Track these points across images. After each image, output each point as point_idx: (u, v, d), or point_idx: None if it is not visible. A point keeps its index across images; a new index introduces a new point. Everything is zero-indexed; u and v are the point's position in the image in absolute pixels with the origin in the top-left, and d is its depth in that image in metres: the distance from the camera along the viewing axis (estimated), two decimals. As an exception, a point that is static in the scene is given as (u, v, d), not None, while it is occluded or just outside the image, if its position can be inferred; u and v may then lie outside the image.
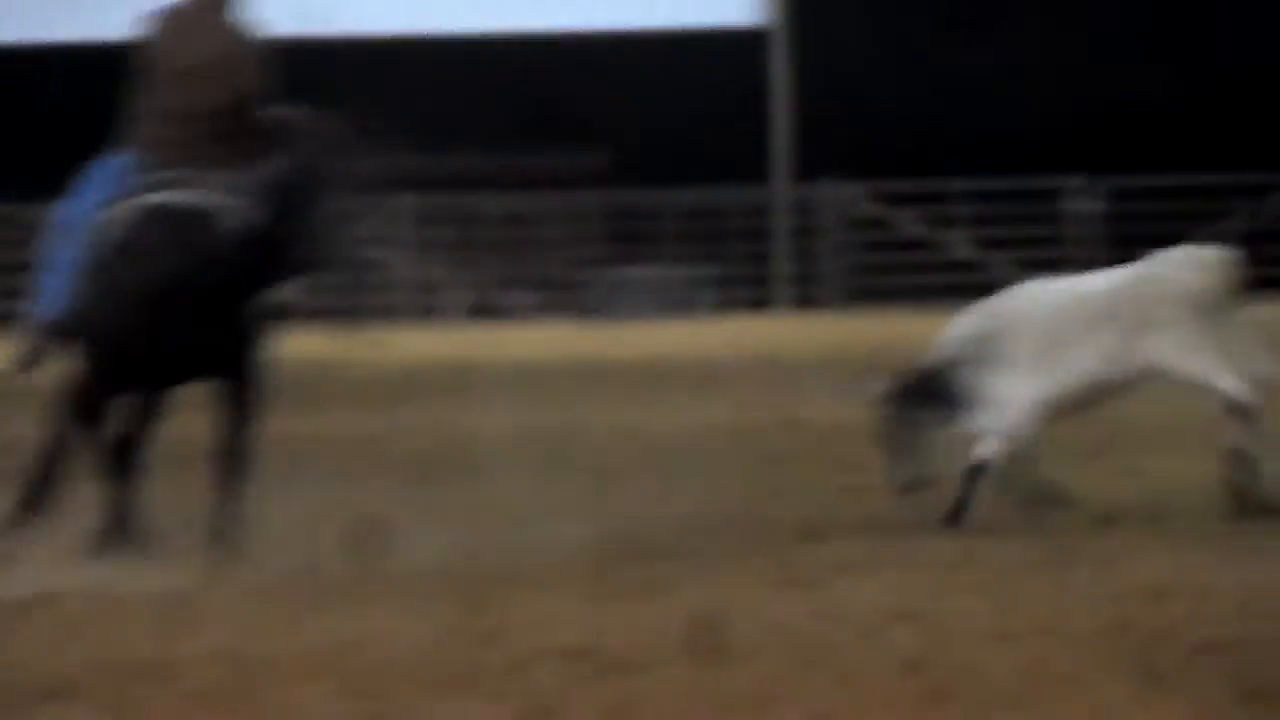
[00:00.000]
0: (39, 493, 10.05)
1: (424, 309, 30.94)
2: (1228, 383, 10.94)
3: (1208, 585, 8.54)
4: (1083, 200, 32.56)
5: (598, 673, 6.83)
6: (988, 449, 10.96)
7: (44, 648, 7.62)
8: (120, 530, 9.86)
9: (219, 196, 10.27)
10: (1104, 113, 33.13)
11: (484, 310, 31.42)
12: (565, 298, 31.31)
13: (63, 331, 10.17)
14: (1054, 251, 31.07)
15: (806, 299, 32.31)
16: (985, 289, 23.65)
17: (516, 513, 11.44)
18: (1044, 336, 11.45)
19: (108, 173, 10.37)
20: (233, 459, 10.21)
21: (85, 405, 10.13)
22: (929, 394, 11.33)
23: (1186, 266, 11.32)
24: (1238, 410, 10.84)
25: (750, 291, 32.04)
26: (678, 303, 31.44)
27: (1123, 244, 28.28)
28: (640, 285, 32.35)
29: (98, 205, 10.31)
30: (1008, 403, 11.16)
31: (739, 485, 12.93)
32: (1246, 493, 10.49)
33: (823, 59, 32.50)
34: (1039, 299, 11.81)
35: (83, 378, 9.96)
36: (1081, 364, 11.28)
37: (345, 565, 9.71)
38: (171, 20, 10.40)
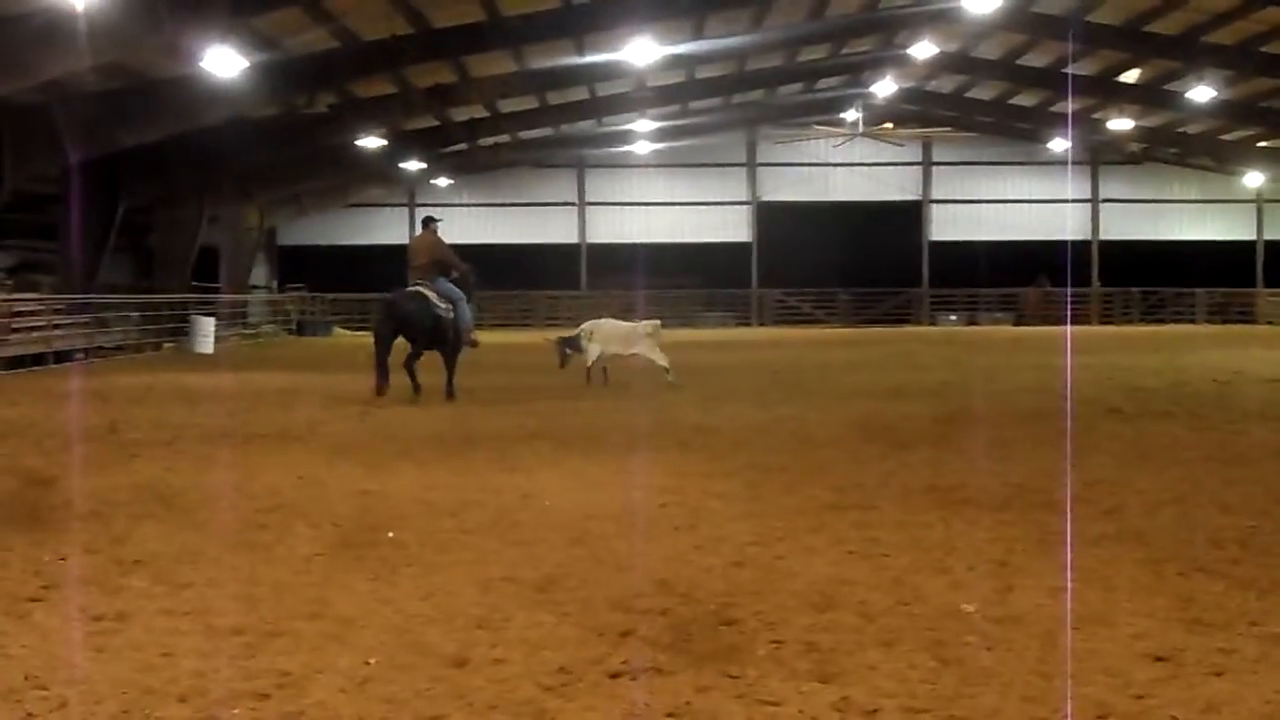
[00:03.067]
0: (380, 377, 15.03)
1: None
2: (661, 360, 16.69)
3: (886, 411, 13.88)
4: (844, 294, 46.04)
5: (697, 432, 11.74)
6: (587, 361, 16.82)
7: (531, 423, 12.77)
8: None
9: (431, 290, 15.46)
10: (854, 267, 46.24)
11: (664, 326, 48.17)
12: (689, 321, 43.58)
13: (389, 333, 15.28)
14: (833, 309, 46.94)
15: (761, 323, 46.15)
16: (813, 321, 45.62)
17: (671, 385, 16.67)
18: (606, 336, 17.03)
19: (400, 286, 15.92)
20: (450, 371, 15.61)
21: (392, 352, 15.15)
22: (570, 342, 17.26)
23: (650, 325, 17.16)
24: (662, 368, 16.72)
25: (742, 319, 46.38)
26: (723, 323, 44.93)
27: (859, 308, 45.12)
28: (710, 318, 45.04)
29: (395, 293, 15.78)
30: (590, 353, 16.85)
31: (743, 377, 18.72)
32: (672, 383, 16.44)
33: (770, 256, 47.06)
34: (610, 324, 17.52)
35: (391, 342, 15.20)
36: (614, 347, 16.97)
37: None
38: (416, 237, 16.29)
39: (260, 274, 45.16)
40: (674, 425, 12.47)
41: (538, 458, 10.14)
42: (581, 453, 10.39)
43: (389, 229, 47.59)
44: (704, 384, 17.73)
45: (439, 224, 16.40)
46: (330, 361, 26.16)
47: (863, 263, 47.30)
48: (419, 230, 16.44)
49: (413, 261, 16.04)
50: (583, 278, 48.08)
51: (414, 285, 15.75)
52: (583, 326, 17.20)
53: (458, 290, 15.98)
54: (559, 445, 10.93)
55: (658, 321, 17.55)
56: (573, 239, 48.33)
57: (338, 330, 42.44)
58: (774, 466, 9.56)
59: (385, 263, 44.82)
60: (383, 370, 15.13)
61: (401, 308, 15.44)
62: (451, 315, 15.74)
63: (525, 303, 46.25)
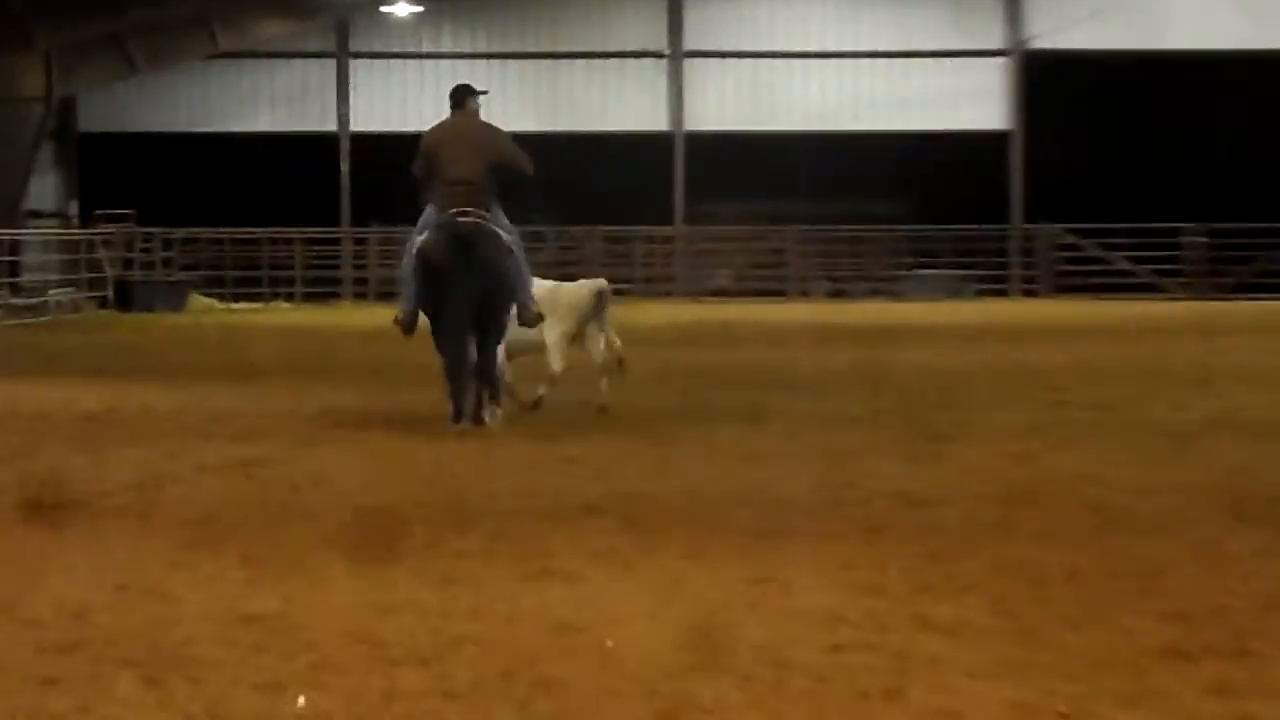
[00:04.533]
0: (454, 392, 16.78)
1: (802, 292, 46.74)
2: (557, 363, 17.99)
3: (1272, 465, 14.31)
4: (1192, 236, 48.59)
5: (910, 507, 12.21)
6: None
7: (579, 484, 13.33)
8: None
9: (497, 225, 16.92)
10: (1210, 183, 48.39)
11: (837, 294, 46.99)
12: (885, 287, 47.57)
13: (418, 305, 16.96)
14: (1174, 265, 48.98)
15: (1029, 291, 48.41)
16: (1135, 288, 45.85)
17: (854, 414, 18.14)
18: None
19: (423, 218, 17.07)
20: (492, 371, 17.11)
21: (439, 341, 16.83)
22: None
23: (588, 288, 18.50)
24: (552, 377, 18.16)
25: (995, 286, 48.29)
26: (952, 292, 46.88)
27: (1221, 264, 48.33)
28: (930, 281, 47.53)
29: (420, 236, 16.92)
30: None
31: (990, 399, 20.19)
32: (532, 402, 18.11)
33: (1047, 159, 48.47)
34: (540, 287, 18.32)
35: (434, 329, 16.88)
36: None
37: (760, 440, 16.04)
38: (448, 124, 17.57)
39: (46, 189, 46.69)
40: (857, 490, 12.93)
41: (590, 551, 10.45)
42: (678, 542, 10.73)
43: (301, 104, 49.23)
44: (915, 410, 18.48)
45: (481, 99, 17.67)
46: (183, 362, 27.09)
47: (1238, 175, 48.73)
48: (446, 112, 17.65)
49: (449, 170, 17.00)
50: (677, 199, 49.14)
51: (462, 214, 16.74)
52: None
53: (512, 228, 17.33)
54: (632, 526, 11.34)
55: (603, 283, 18.59)
56: (658, 125, 49.62)
57: (198, 300, 43.90)
58: (1051, 572, 9.78)
59: (298, 171, 48.26)
60: (463, 377, 16.72)
61: (482, 252, 16.61)
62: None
63: (567, 245, 47.32)
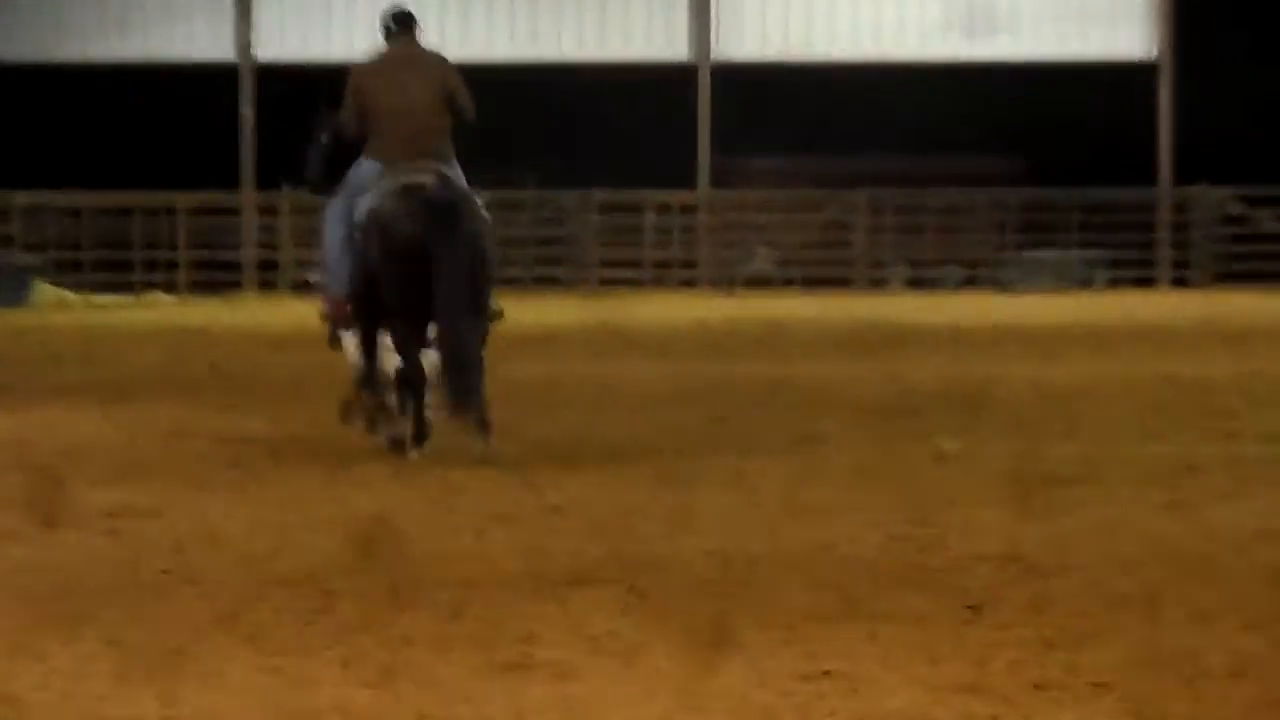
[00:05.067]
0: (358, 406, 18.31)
1: (873, 281, 47.77)
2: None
3: None
4: None
5: (1021, 574, 12.40)
6: (355, 366, 19.15)
7: (568, 543, 13.75)
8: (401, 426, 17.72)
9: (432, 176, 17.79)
10: None
11: (920, 282, 48.14)
12: (985, 274, 48.31)
13: (348, 297, 17.98)
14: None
15: (1181, 280, 49.01)
16: None
17: (943, 448, 18.41)
18: None
19: (358, 175, 17.94)
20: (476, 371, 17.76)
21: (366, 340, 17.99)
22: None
23: None
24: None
25: (1136, 272, 49.04)
26: (1077, 280, 47.84)
27: None
28: (1047, 265, 48.10)
29: (354, 199, 17.84)
30: (348, 348, 19.43)
31: (1129, 427, 21.02)
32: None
33: (1197, 88, 48.86)
34: None
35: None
36: None
37: (816, 487, 16.49)
38: (388, 56, 18.71)
39: None
40: (947, 553, 13.15)
41: (584, 636, 10.32)
42: (702, 624, 10.49)
43: (187, 24, 49.73)
44: (1027, 443, 19.00)
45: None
46: (26, 376, 27.61)
47: None
48: (378, 35, 18.82)
49: (396, 109, 17.94)
50: (701, 153, 49.68)
51: (421, 170, 17.62)
52: None
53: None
54: (641, 602, 11.37)
55: None
56: (676, 53, 50.33)
57: (46, 291, 44.75)
58: (1213, 664, 9.47)
59: (183, 114, 49.65)
60: (416, 370, 17.31)
61: (465, 224, 17.40)
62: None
63: (551, 216, 48.67)
